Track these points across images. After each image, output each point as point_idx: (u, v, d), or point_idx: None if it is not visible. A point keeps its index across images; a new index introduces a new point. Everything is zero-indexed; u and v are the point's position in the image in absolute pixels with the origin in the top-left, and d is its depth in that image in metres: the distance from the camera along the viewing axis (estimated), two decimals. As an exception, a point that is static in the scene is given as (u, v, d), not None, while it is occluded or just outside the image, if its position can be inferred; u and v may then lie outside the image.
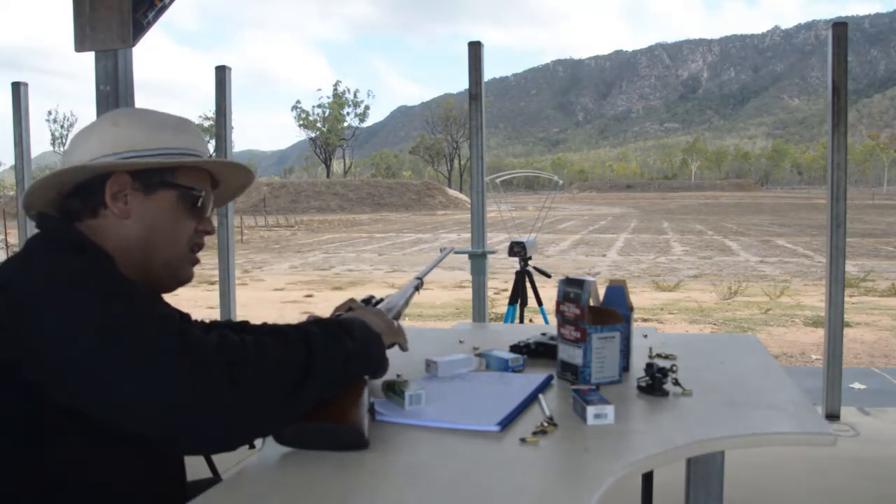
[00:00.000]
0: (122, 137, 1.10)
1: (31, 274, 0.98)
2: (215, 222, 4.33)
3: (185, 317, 1.18)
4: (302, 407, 1.01)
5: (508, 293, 4.25)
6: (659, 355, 1.59)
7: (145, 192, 1.10)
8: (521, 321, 4.07)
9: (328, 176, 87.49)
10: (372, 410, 1.15)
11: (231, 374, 0.93)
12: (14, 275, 0.99)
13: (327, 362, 1.05)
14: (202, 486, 1.10)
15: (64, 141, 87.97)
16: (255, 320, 1.39)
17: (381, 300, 1.44)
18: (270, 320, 1.41)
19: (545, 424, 1.11)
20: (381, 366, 1.19)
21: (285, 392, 0.98)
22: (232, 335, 0.99)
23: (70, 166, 1.09)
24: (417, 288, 1.52)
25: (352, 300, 1.38)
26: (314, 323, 1.13)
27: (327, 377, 1.04)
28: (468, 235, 4.10)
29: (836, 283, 3.61)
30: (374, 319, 1.23)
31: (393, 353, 1.68)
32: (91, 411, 0.92)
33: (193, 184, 1.14)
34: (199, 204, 1.16)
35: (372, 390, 1.27)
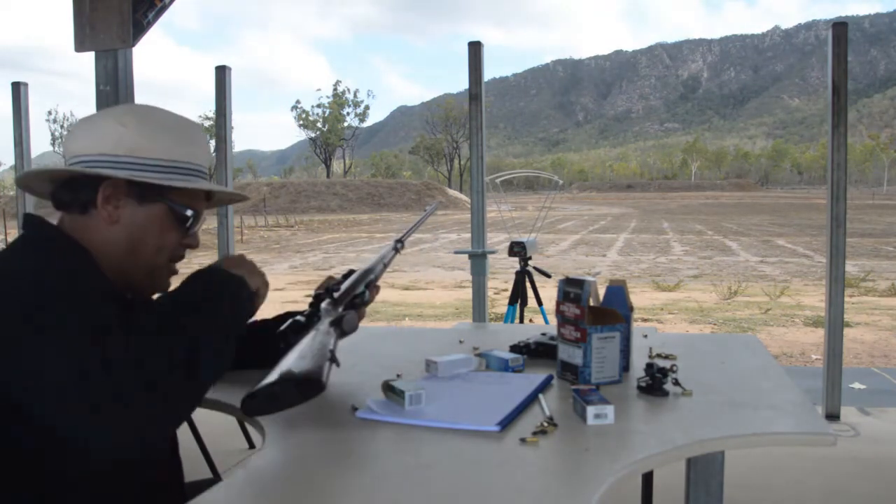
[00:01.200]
0: (126, 140, 1.09)
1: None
2: (215, 222, 4.33)
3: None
4: (208, 377, 0.98)
5: (508, 293, 4.25)
6: (659, 355, 1.59)
7: (138, 200, 1.10)
8: (521, 321, 4.07)
9: (328, 176, 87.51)
10: (333, 358, 1.16)
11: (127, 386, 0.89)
12: None
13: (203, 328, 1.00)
14: (202, 486, 1.10)
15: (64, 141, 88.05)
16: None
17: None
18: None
19: (545, 424, 1.11)
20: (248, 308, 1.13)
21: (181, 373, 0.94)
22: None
23: (66, 168, 1.09)
24: (397, 250, 1.48)
25: (330, 277, 1.36)
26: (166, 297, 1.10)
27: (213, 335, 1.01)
28: (468, 235, 4.10)
29: (836, 283, 3.61)
30: (237, 267, 1.16)
31: (393, 353, 1.68)
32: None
33: (187, 202, 1.15)
34: (191, 223, 1.16)
35: (372, 390, 1.27)
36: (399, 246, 1.48)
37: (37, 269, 0.99)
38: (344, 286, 1.31)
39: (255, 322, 1.37)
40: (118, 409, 0.87)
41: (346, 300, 1.30)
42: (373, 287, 1.36)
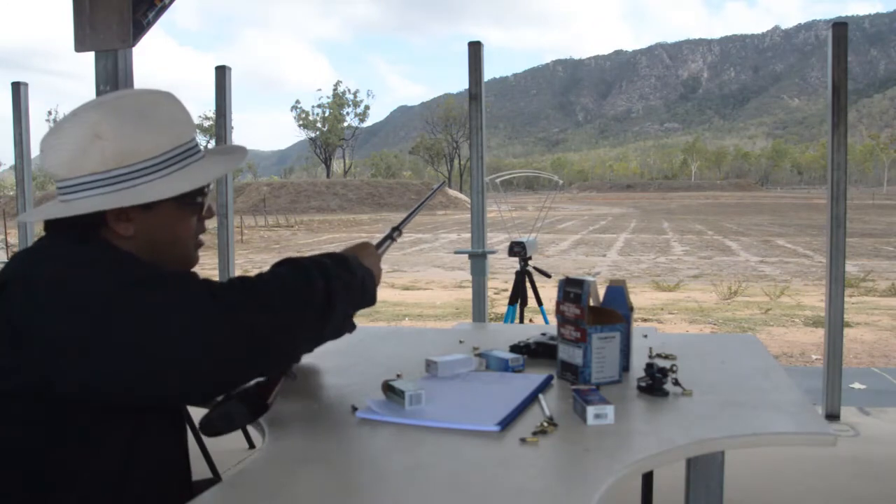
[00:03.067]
0: (109, 151, 1.04)
1: (40, 267, 0.98)
2: (215, 223, 4.33)
3: None
4: (333, 325, 1.10)
5: (508, 293, 4.25)
6: (659, 355, 1.59)
7: (144, 207, 1.08)
8: (521, 321, 4.07)
9: (328, 176, 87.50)
10: (289, 373, 1.17)
11: (263, 306, 0.97)
12: (22, 269, 0.99)
13: (343, 287, 1.10)
14: (202, 486, 1.10)
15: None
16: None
17: None
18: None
19: (545, 424, 1.11)
20: (373, 299, 1.23)
21: (315, 313, 1.04)
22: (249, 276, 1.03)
23: (64, 215, 1.05)
24: (393, 238, 1.46)
25: (366, 242, 1.37)
26: (326, 255, 1.16)
27: (342, 301, 1.10)
28: (468, 235, 4.10)
29: (836, 283, 3.61)
30: (368, 259, 1.27)
31: (393, 353, 1.68)
32: (110, 381, 0.91)
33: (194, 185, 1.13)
34: (202, 204, 1.16)
35: (372, 390, 1.27)
36: (396, 234, 1.47)
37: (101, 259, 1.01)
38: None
39: None
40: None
41: None
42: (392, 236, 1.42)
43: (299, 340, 1.06)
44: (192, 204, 1.13)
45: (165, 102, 1.13)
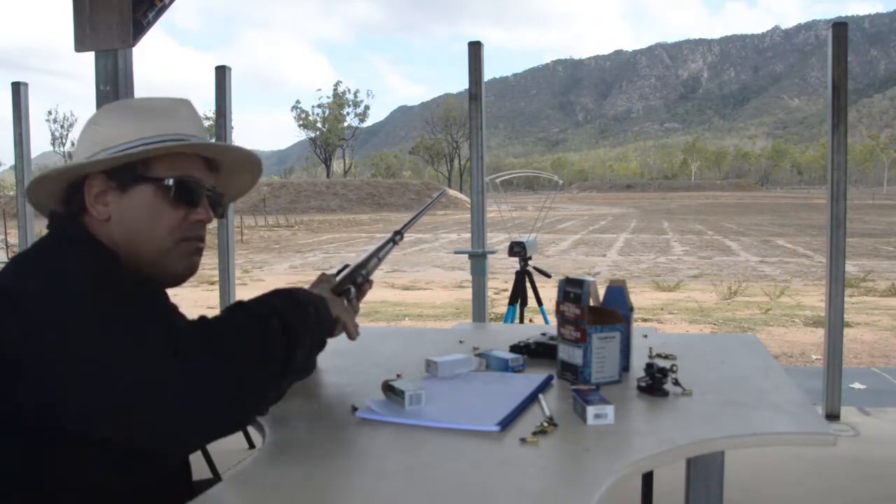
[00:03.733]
0: (100, 136, 1.10)
1: (31, 276, 0.98)
2: (215, 222, 4.32)
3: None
4: (291, 377, 1.07)
5: (508, 293, 4.25)
6: (659, 355, 1.59)
7: (121, 189, 1.07)
8: (521, 321, 4.07)
9: (328, 176, 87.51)
10: None
11: (227, 361, 0.93)
12: (14, 278, 0.98)
13: (299, 322, 1.07)
14: (202, 486, 1.10)
15: (64, 141, 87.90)
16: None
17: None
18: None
19: (545, 424, 1.11)
20: (331, 324, 1.19)
21: (277, 361, 1.01)
22: (210, 319, 1.00)
23: (35, 177, 1.09)
24: (395, 242, 1.42)
25: (323, 274, 1.33)
26: (272, 294, 1.12)
27: (303, 337, 1.07)
28: (468, 235, 4.10)
29: (836, 283, 3.61)
30: (317, 287, 1.25)
31: (393, 353, 1.68)
32: (67, 408, 0.89)
33: (175, 173, 1.08)
34: (182, 194, 1.09)
35: (372, 390, 1.27)
36: (398, 238, 1.43)
37: (74, 271, 0.98)
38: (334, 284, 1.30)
39: None
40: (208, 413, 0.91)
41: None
42: (365, 283, 1.35)
43: (264, 391, 1.01)
44: (167, 190, 1.07)
45: (171, 103, 1.14)
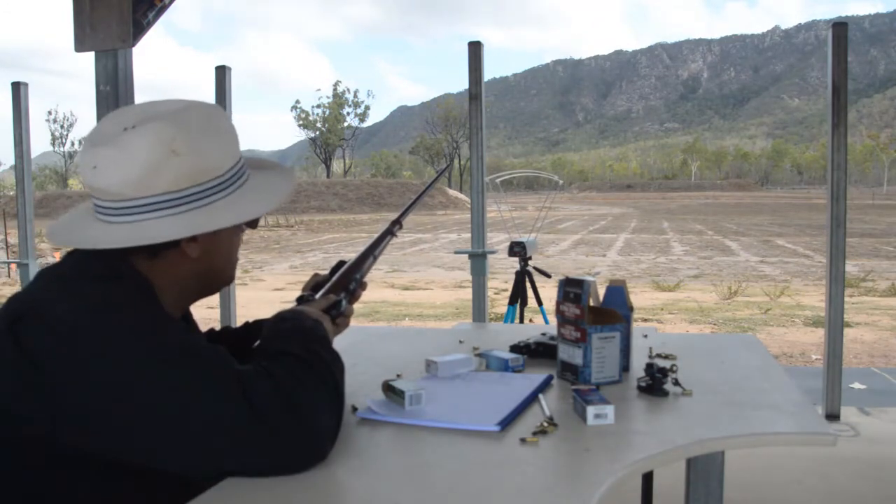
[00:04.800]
0: (184, 169, 0.99)
1: (69, 300, 0.94)
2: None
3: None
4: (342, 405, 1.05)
5: (508, 293, 4.25)
6: (659, 355, 1.59)
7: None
8: (521, 321, 4.07)
9: (328, 176, 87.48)
10: None
11: (289, 407, 0.94)
12: (48, 298, 0.95)
13: (331, 362, 1.06)
14: (203, 486, 1.10)
15: (64, 141, 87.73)
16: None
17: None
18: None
19: (545, 424, 1.11)
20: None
21: (333, 401, 1.02)
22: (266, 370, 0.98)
23: (138, 243, 0.98)
24: (394, 234, 1.37)
25: (315, 274, 1.33)
26: (292, 334, 1.09)
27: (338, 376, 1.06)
28: (468, 235, 4.10)
29: (836, 283, 3.61)
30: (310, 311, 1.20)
31: (393, 353, 1.68)
32: (122, 446, 0.90)
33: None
34: (254, 221, 1.12)
35: (372, 390, 1.27)
36: (396, 229, 1.38)
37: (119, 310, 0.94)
38: (325, 289, 1.26)
39: (225, 329, 1.37)
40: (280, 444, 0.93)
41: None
42: (358, 289, 1.29)
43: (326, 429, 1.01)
44: (252, 223, 1.12)
45: (223, 116, 1.08)
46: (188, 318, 1.20)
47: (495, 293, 9.48)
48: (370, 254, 1.32)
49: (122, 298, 0.95)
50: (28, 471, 0.92)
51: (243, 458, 0.92)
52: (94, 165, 0.99)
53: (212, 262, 1.08)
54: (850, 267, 12.12)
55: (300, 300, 1.25)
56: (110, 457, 0.91)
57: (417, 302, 9.95)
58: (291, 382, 0.96)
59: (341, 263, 1.31)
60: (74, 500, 0.94)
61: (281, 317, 1.15)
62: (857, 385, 4.65)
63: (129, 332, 0.91)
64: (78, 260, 1.01)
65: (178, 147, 0.98)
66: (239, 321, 1.58)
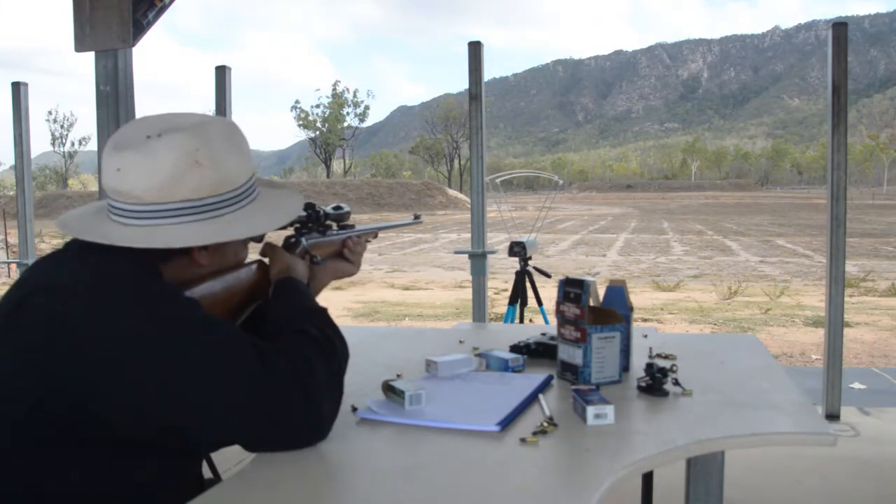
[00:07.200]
0: (206, 179, 1.02)
1: (89, 274, 0.97)
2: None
3: None
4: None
5: (508, 293, 4.25)
6: (659, 355, 1.59)
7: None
8: (521, 321, 4.07)
9: (328, 176, 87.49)
10: None
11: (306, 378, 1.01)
12: (64, 273, 0.98)
13: (335, 336, 1.14)
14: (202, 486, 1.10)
15: (64, 141, 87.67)
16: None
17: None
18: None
19: (545, 424, 1.11)
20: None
21: (338, 388, 1.09)
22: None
23: (152, 245, 1.00)
24: (369, 239, 1.47)
25: (267, 244, 1.32)
26: (302, 312, 1.16)
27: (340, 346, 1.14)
28: (468, 235, 4.10)
29: (836, 283, 3.61)
30: (289, 267, 1.27)
31: (393, 353, 1.68)
32: (155, 413, 0.92)
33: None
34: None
35: (372, 390, 1.27)
36: (371, 237, 1.49)
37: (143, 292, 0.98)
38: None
39: None
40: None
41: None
42: (369, 234, 1.45)
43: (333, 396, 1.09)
44: (258, 237, 1.17)
45: (240, 132, 1.12)
46: None
47: (495, 293, 9.48)
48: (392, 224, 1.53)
49: (143, 272, 1.01)
50: (25, 450, 0.92)
51: (255, 427, 0.97)
52: (118, 168, 1.00)
53: (217, 265, 1.12)
54: (850, 267, 12.11)
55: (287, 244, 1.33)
56: (125, 428, 0.92)
57: (417, 302, 9.95)
58: (307, 365, 1.02)
59: (310, 206, 1.37)
60: (74, 481, 0.94)
61: (283, 288, 1.21)
62: (857, 385, 4.65)
63: (161, 297, 0.97)
64: (83, 243, 1.02)
65: (201, 158, 1.02)
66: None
